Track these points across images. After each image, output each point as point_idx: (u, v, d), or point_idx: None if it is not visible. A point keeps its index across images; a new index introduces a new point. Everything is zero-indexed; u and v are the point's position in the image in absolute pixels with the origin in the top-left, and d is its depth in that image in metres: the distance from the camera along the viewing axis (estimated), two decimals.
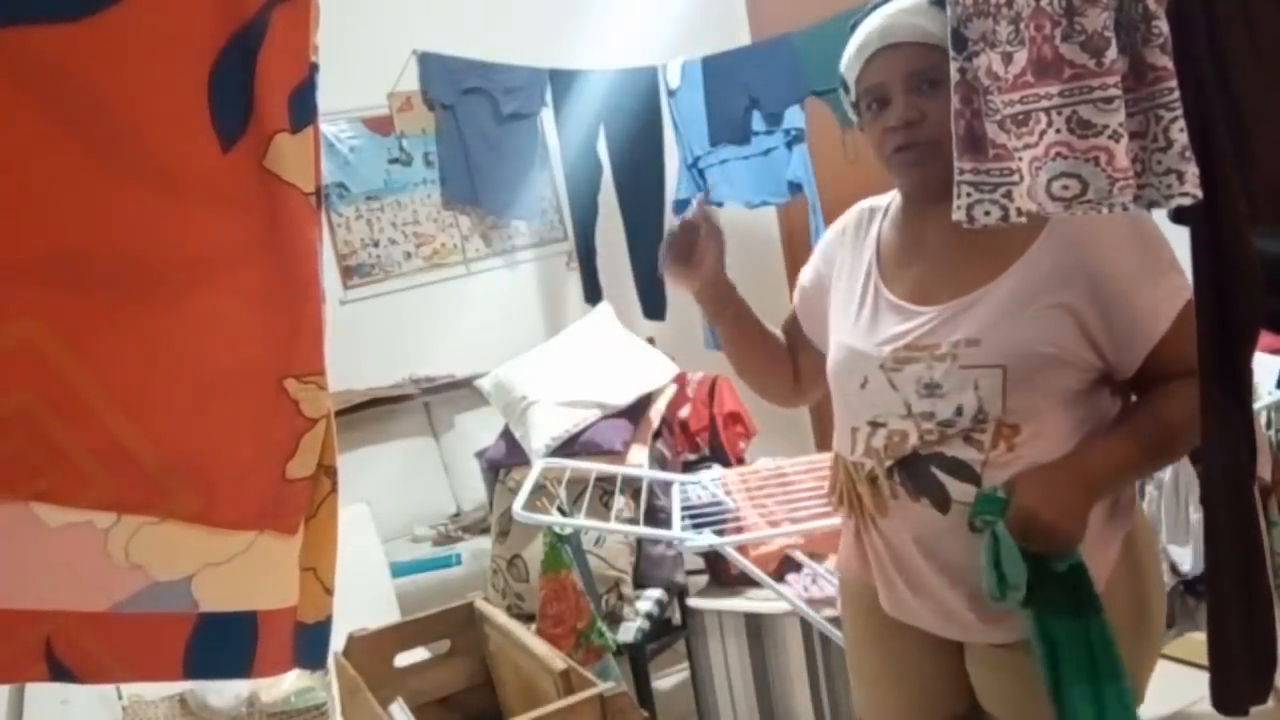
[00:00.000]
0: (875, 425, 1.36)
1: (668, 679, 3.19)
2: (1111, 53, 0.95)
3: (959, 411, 1.28)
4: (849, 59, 1.37)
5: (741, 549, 2.30)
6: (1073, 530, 1.22)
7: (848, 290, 1.46)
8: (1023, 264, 1.27)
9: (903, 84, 1.31)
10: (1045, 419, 1.27)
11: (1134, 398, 1.34)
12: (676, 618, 2.99)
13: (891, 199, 1.48)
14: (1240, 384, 1.09)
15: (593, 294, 4.30)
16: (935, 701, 1.48)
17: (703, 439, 3.26)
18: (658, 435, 3.10)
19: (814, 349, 1.60)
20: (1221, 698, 1.17)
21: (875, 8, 1.37)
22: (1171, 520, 2.38)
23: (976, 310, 1.29)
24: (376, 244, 4.23)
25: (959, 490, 1.30)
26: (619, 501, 2.56)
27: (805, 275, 1.61)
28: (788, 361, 1.65)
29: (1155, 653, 1.40)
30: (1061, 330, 1.25)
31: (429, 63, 4.08)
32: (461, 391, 3.97)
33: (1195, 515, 2.37)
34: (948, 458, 1.30)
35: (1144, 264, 1.25)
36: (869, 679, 1.56)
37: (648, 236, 4.30)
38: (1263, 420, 2.43)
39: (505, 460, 3.12)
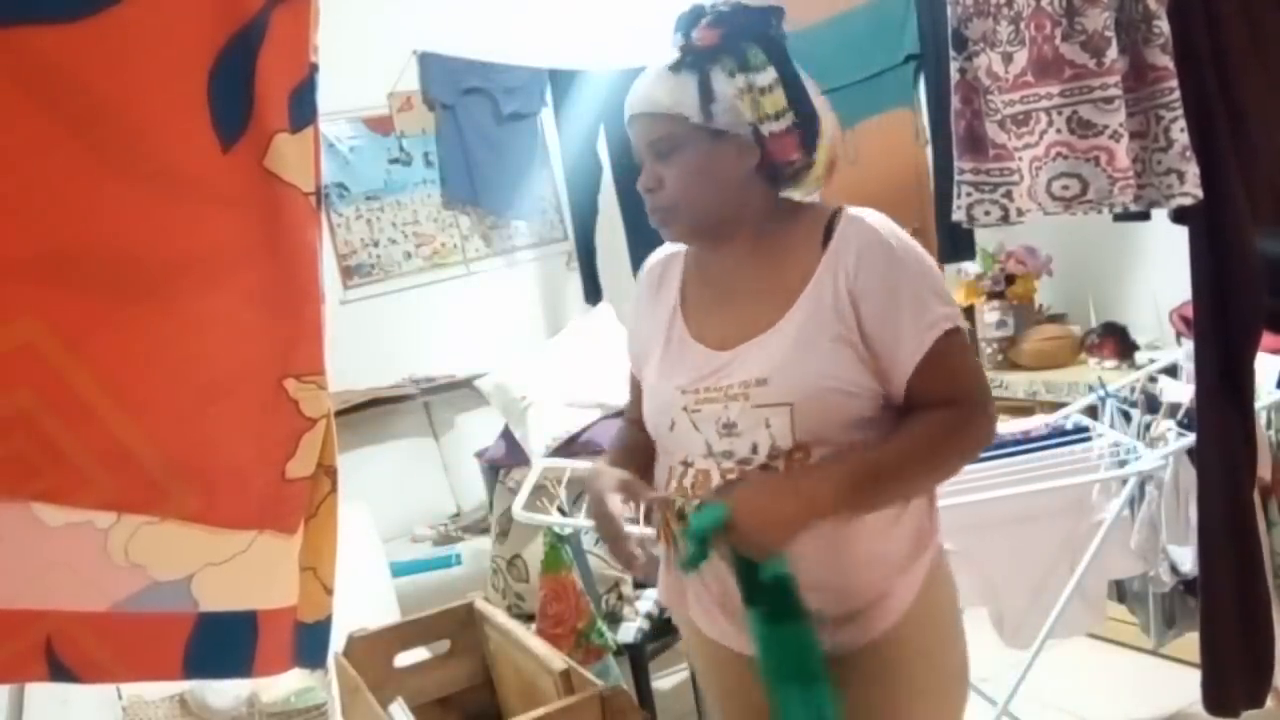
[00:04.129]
0: (686, 465, 1.39)
1: (668, 679, 3.19)
2: (1112, 52, 0.95)
3: (754, 449, 1.32)
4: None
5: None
6: (779, 540, 1.26)
7: (651, 337, 1.48)
8: (805, 298, 1.32)
9: (644, 152, 1.38)
10: (834, 443, 1.30)
11: None
12: None
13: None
14: (1240, 385, 1.09)
15: (593, 294, 4.30)
16: None
17: None
18: None
19: None
20: (1213, 699, 1.17)
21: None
22: (1171, 520, 2.37)
23: (765, 349, 1.33)
24: (376, 244, 4.23)
25: None
26: None
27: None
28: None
29: (955, 691, 1.43)
30: (843, 362, 1.29)
31: (429, 63, 4.08)
32: (461, 391, 3.97)
33: (1195, 515, 2.36)
34: None
35: (899, 294, 1.28)
36: (716, 710, 1.58)
37: (648, 237, 4.29)
38: (1263, 420, 2.43)
39: (505, 460, 3.12)
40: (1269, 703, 2.13)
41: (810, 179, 1.39)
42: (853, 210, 1.34)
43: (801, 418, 1.29)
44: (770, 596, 1.30)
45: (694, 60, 1.32)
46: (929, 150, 3.24)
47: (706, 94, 1.31)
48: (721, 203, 1.36)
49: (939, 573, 1.40)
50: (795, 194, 1.42)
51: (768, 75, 1.30)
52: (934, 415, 1.29)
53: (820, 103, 1.36)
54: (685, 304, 1.46)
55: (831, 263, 1.31)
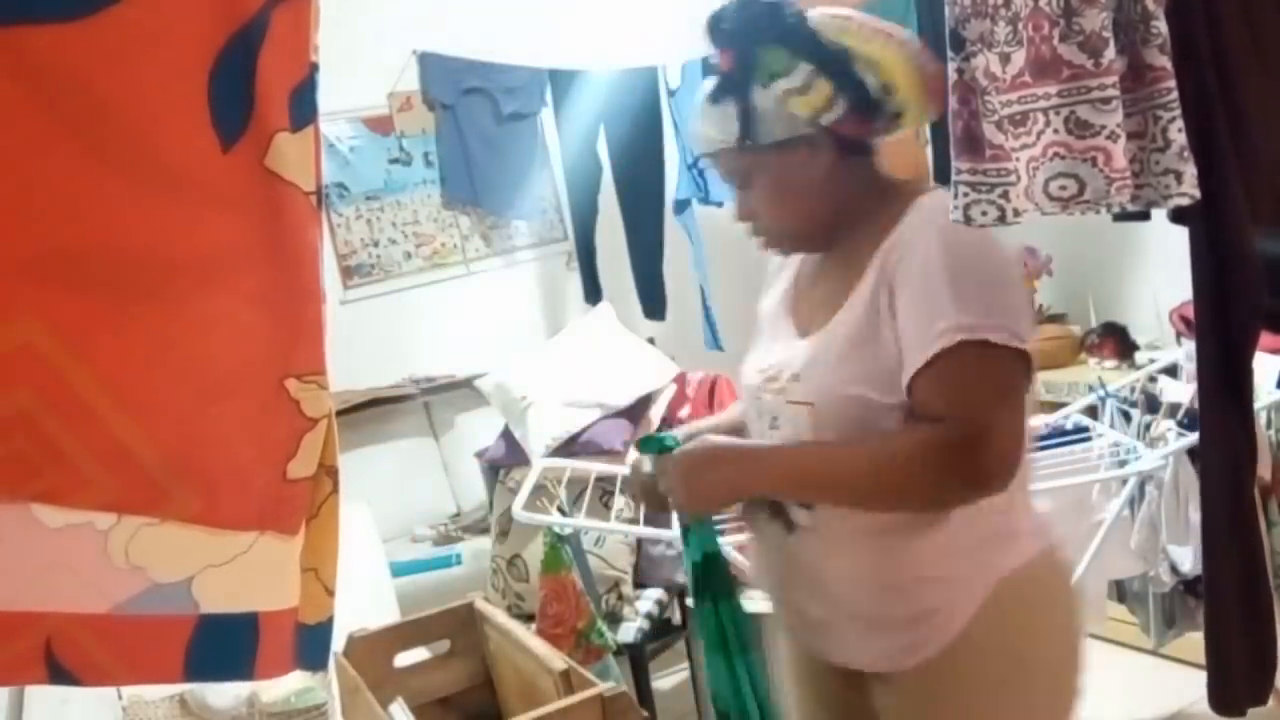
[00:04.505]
0: None
1: (668, 679, 3.19)
2: (1109, 53, 0.96)
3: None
4: None
5: (742, 549, 2.30)
6: (694, 503, 1.34)
7: (765, 313, 1.47)
8: (854, 295, 1.26)
9: (728, 185, 1.36)
10: None
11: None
12: (676, 618, 2.99)
13: None
14: (1240, 385, 1.09)
15: (593, 294, 4.30)
16: None
17: None
18: None
19: None
20: (1220, 698, 1.18)
21: None
22: (1171, 520, 2.38)
23: (813, 344, 1.30)
24: (376, 244, 4.23)
25: (799, 515, 1.32)
26: (619, 501, 2.56)
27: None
28: None
29: (1043, 708, 1.31)
30: (877, 365, 1.21)
31: (429, 63, 4.08)
32: (461, 391, 3.97)
33: (1195, 515, 2.37)
34: None
35: (929, 290, 1.17)
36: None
37: (648, 236, 4.29)
38: (1263, 420, 2.43)
39: (505, 460, 3.12)
40: (1270, 702, 2.13)
41: (909, 119, 1.29)
42: (928, 196, 1.26)
43: (820, 420, 1.26)
44: (700, 570, 1.40)
45: (726, 86, 1.27)
46: (929, 150, 3.24)
47: (749, 117, 1.25)
48: (814, 208, 1.31)
49: (1016, 599, 1.27)
50: (909, 126, 1.32)
51: (799, 73, 1.22)
52: (914, 430, 1.18)
53: (880, 42, 1.23)
54: (796, 284, 1.43)
55: (884, 252, 1.23)
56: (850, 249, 1.30)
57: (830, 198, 1.30)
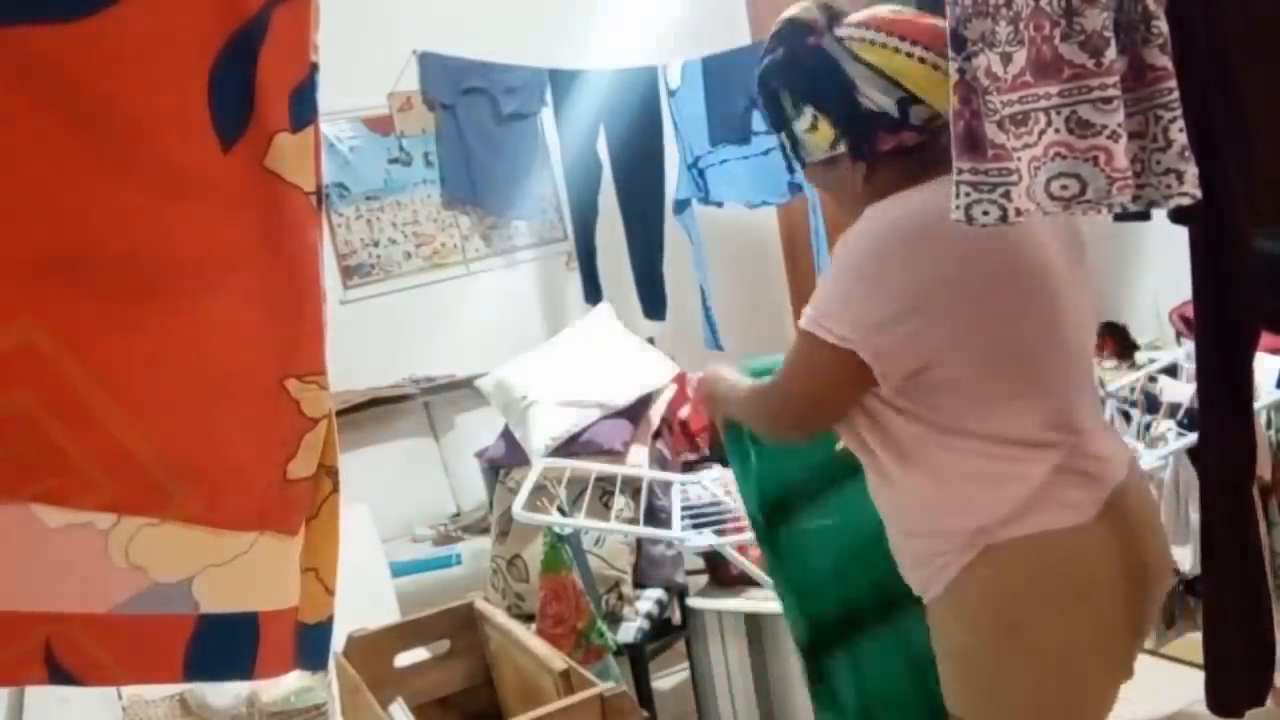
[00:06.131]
0: None
1: (668, 679, 3.19)
2: (1111, 53, 0.95)
3: None
4: None
5: (741, 549, 2.30)
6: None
7: None
8: None
9: None
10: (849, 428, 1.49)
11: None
12: (676, 618, 2.99)
13: None
14: (1239, 384, 1.09)
15: (593, 294, 4.30)
16: None
17: (703, 439, 3.26)
18: (658, 435, 3.10)
19: None
20: (1217, 698, 1.18)
21: None
22: (1171, 520, 2.38)
23: None
24: (376, 244, 4.23)
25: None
26: (619, 501, 2.56)
27: None
28: None
29: (1031, 679, 1.34)
30: None
31: (429, 63, 4.08)
32: (461, 391, 3.97)
33: (1195, 515, 2.37)
34: None
35: (828, 276, 1.37)
36: None
37: (648, 236, 4.30)
38: (1263, 420, 2.43)
39: (505, 460, 3.12)
40: (1269, 703, 2.13)
41: (937, 102, 1.29)
42: (891, 200, 1.33)
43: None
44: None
45: (769, 120, 1.48)
46: None
47: (794, 142, 1.44)
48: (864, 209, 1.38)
49: (981, 577, 1.32)
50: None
51: (806, 116, 1.39)
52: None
53: (902, 54, 1.28)
54: None
55: None
56: None
57: (879, 198, 1.36)
